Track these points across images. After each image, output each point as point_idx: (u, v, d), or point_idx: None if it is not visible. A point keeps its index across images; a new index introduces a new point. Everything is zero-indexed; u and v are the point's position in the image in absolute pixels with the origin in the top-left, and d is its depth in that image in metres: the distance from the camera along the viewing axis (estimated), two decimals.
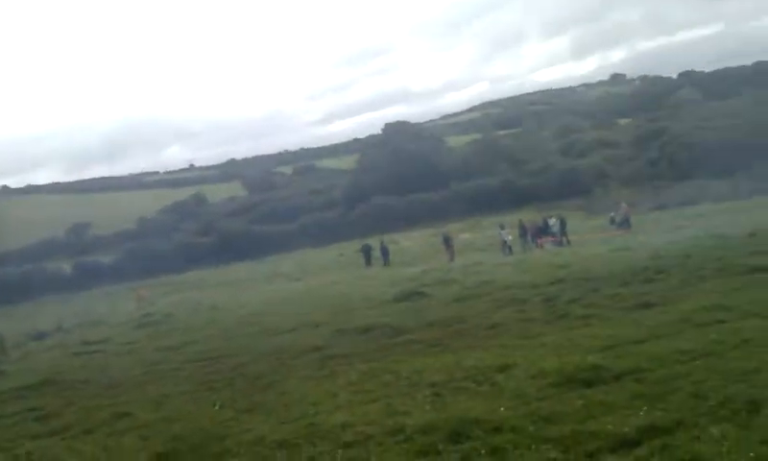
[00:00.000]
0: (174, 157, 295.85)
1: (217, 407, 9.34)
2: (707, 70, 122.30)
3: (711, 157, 52.77)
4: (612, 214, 35.37)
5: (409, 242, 45.78)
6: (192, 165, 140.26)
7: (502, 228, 32.20)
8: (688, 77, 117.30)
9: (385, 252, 35.72)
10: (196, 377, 11.97)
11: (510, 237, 31.45)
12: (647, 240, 24.51)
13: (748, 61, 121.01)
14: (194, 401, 10.04)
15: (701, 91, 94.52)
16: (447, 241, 33.49)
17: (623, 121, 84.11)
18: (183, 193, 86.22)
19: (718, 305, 10.31)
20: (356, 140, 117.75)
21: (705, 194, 45.21)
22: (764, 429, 5.40)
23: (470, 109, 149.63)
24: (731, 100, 78.94)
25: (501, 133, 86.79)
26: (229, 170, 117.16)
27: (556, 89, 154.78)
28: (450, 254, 32.50)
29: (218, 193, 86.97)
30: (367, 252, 37.13)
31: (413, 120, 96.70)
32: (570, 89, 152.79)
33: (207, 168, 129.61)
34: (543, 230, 32.49)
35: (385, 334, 13.08)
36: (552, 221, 32.41)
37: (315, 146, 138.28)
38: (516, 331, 11.43)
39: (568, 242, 30.40)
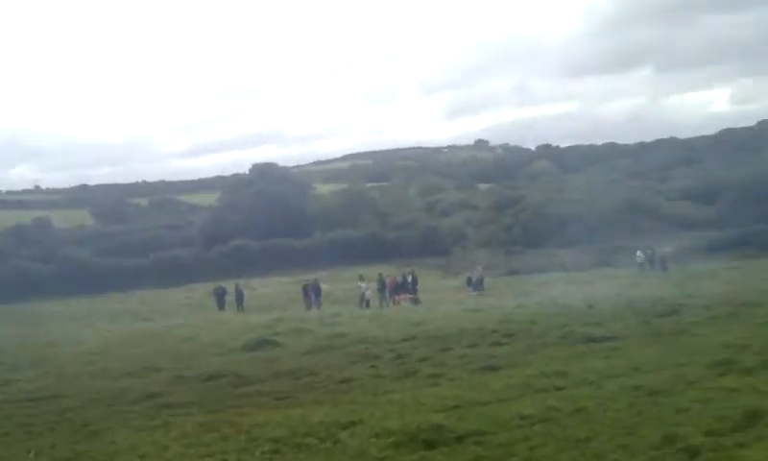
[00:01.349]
0: (21, 176, 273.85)
1: (32, 455, 8.36)
2: (562, 145, 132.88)
3: (561, 228, 56.59)
4: (470, 275, 36.66)
5: (266, 288, 44.88)
6: (38, 187, 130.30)
7: (361, 280, 32.38)
8: (545, 150, 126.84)
9: (240, 296, 34.67)
10: (15, 419, 10.73)
11: (368, 291, 31.67)
12: (498, 304, 25.51)
13: (598, 141, 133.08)
14: (7, 446, 9.00)
15: (556, 164, 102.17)
16: (314, 290, 32.74)
17: (484, 186, 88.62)
18: (27, 216, 79.57)
19: (558, 372, 10.70)
20: (220, 178, 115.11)
21: (552, 263, 48.17)
22: None
23: (342, 159, 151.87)
24: (582, 175, 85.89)
25: (369, 185, 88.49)
26: (80, 196, 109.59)
27: (425, 148, 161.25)
28: (312, 303, 31.93)
29: (65, 219, 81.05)
30: (220, 295, 35.84)
31: (283, 163, 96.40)
32: (437, 150, 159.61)
33: (55, 191, 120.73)
34: (402, 287, 33.01)
35: (230, 383, 12.46)
36: (408, 278, 33.06)
37: (176, 179, 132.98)
38: (365, 388, 11.27)
39: (418, 300, 31.09)
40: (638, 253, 40.82)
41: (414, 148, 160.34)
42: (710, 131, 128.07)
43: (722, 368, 10.14)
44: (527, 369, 11.33)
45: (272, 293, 41.89)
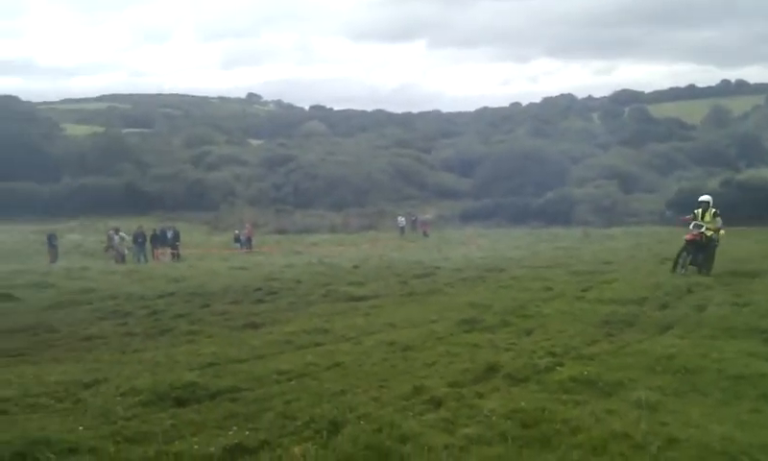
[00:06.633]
0: None
1: None
2: (335, 108, 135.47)
3: (331, 190, 57.94)
4: (237, 232, 35.98)
5: (3, 236, 39.89)
6: None
7: (117, 232, 30.21)
8: (319, 111, 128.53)
9: None
10: None
11: (123, 244, 29.71)
12: (266, 262, 25.33)
13: (370, 107, 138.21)
14: None
15: (328, 126, 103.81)
16: (51, 240, 30.05)
17: (255, 142, 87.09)
18: None
19: (318, 329, 10.82)
20: None
21: (322, 224, 49.24)
22: (341, 449, 5.57)
23: (98, 99, 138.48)
24: (353, 139, 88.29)
25: (128, 130, 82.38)
26: None
27: (192, 96, 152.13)
28: (53, 255, 29.20)
29: None
30: None
31: (27, 97, 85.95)
32: (205, 99, 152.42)
33: None
34: (162, 241, 31.30)
35: None
36: (169, 233, 31.43)
37: None
38: (113, 346, 10.43)
39: (179, 256, 29.89)
40: (400, 218, 43.30)
41: (180, 95, 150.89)
42: (470, 107, 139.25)
43: (468, 325, 11.02)
44: (288, 326, 11.30)
45: (9, 242, 37.26)
